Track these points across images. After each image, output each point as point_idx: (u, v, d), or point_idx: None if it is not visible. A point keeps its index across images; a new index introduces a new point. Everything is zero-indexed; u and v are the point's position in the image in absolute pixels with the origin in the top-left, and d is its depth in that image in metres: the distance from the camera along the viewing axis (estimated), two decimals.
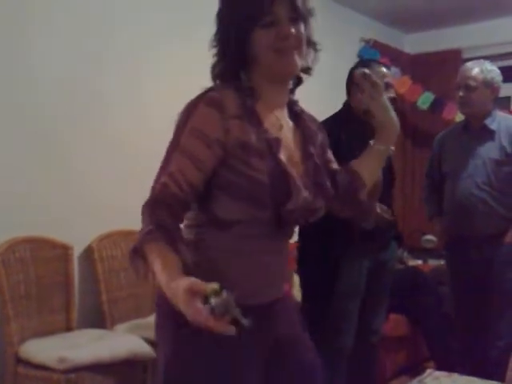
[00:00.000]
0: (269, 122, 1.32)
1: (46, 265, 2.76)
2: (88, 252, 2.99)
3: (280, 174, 1.27)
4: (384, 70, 2.61)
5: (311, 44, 1.37)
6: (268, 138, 1.28)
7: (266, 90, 1.33)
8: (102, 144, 3.13)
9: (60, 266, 2.82)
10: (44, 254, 2.77)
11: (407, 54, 5.38)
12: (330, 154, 1.52)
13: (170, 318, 1.23)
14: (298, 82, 1.42)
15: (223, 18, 1.32)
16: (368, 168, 1.48)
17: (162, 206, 1.20)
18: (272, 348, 1.38)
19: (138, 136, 3.29)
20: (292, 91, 1.43)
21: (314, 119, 1.50)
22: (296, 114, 1.42)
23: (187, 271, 1.13)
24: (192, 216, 1.33)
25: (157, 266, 1.13)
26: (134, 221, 3.29)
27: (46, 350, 2.47)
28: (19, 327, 2.60)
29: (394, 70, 4.82)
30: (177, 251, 1.15)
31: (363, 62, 3.07)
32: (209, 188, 1.28)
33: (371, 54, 4.63)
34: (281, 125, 1.35)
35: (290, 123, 1.40)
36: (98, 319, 2.96)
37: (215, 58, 1.34)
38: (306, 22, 1.33)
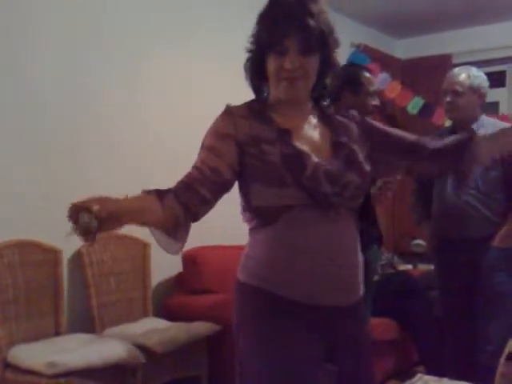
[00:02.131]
0: (283, 122, 1.46)
1: (35, 269, 2.75)
2: (77, 256, 2.98)
3: (292, 153, 1.39)
4: (369, 76, 2.64)
5: (331, 66, 1.50)
6: (279, 129, 1.43)
7: (281, 103, 1.48)
8: (96, 147, 3.13)
9: (49, 270, 2.80)
10: (33, 258, 2.75)
11: (397, 59, 5.42)
12: (394, 133, 1.59)
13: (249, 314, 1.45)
14: (321, 95, 1.55)
15: (253, 37, 1.49)
16: (491, 151, 1.58)
17: (181, 185, 1.36)
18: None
19: (135, 139, 3.30)
20: (319, 101, 1.56)
21: (352, 114, 1.59)
22: (327, 116, 1.54)
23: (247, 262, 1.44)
24: (247, 219, 1.48)
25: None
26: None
27: (35, 354, 2.46)
28: (7, 332, 2.58)
29: (385, 75, 4.85)
30: (161, 202, 1.29)
31: (350, 66, 3.10)
32: (245, 184, 1.43)
33: (361, 59, 4.65)
34: (299, 125, 1.47)
35: (317, 123, 1.51)
36: (88, 324, 2.94)
37: (247, 64, 1.52)
38: (324, 49, 1.45)
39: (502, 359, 2.21)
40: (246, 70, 1.52)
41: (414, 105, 4.93)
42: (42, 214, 2.86)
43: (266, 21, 1.45)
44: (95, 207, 1.16)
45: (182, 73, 3.55)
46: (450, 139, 1.61)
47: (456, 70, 2.97)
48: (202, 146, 1.45)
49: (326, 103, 1.59)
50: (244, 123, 1.43)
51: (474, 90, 2.87)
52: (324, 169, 1.39)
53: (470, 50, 5.01)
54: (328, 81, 1.53)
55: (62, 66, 2.99)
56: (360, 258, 1.50)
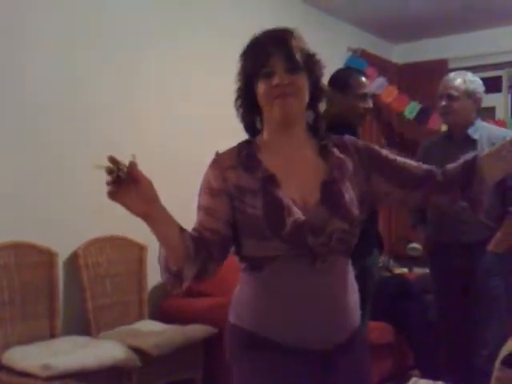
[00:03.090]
0: (273, 161, 1.44)
1: (31, 271, 2.74)
2: (73, 258, 2.97)
3: (273, 204, 1.37)
4: (363, 79, 2.65)
5: (320, 92, 1.50)
6: (263, 177, 1.41)
7: (275, 134, 1.47)
8: (91, 149, 3.12)
9: (45, 272, 2.80)
10: (28, 260, 2.75)
11: (394, 64, 5.44)
12: (400, 163, 1.52)
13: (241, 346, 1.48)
14: (316, 126, 1.52)
15: (238, 74, 1.49)
16: (497, 169, 1.50)
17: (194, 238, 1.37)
18: None
19: (134, 139, 3.29)
20: (316, 131, 1.52)
21: (352, 144, 1.52)
22: (324, 148, 1.50)
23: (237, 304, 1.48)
24: (239, 261, 1.49)
25: None
26: (120, 227, 3.31)
27: (30, 357, 2.45)
28: (2, 334, 2.58)
29: (381, 79, 4.87)
30: (181, 232, 1.33)
31: (343, 69, 3.11)
32: (236, 235, 1.43)
33: (358, 64, 4.67)
34: (291, 161, 1.45)
35: (313, 158, 1.48)
36: (83, 326, 2.93)
37: (236, 94, 1.50)
38: (310, 72, 1.45)
39: (497, 363, 2.22)
40: (237, 108, 1.51)
41: (411, 109, 4.95)
42: (38, 216, 2.85)
43: (249, 52, 1.47)
44: (134, 162, 1.25)
45: (181, 73, 3.56)
46: (453, 167, 1.53)
47: (452, 74, 2.99)
48: (199, 206, 1.46)
49: (322, 135, 1.54)
50: (232, 174, 1.43)
51: (469, 95, 2.89)
52: (305, 222, 1.36)
53: (466, 55, 5.03)
54: (321, 107, 1.52)
55: (61, 67, 2.99)
56: (352, 298, 1.48)
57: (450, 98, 2.88)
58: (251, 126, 1.52)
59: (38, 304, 2.74)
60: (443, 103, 2.91)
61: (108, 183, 1.23)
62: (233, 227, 1.42)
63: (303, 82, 1.43)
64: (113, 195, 1.23)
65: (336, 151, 1.49)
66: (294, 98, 1.42)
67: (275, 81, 1.40)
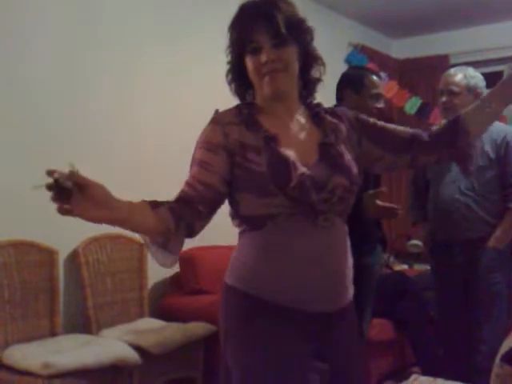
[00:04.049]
0: (271, 125, 1.44)
1: (31, 269, 2.74)
2: (74, 256, 2.98)
3: (278, 161, 1.37)
4: (377, 79, 2.64)
5: (312, 58, 1.49)
6: (265, 136, 1.41)
7: (268, 104, 1.47)
8: (92, 145, 3.12)
9: (45, 270, 2.80)
10: (29, 259, 2.75)
11: (395, 60, 5.42)
12: (387, 128, 1.58)
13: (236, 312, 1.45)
14: (308, 92, 1.53)
15: (228, 48, 1.50)
16: (481, 125, 1.57)
17: (175, 199, 1.36)
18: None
19: (129, 138, 3.29)
20: (307, 98, 1.54)
21: (342, 112, 1.57)
22: (316, 115, 1.52)
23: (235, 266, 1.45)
24: (236, 224, 1.48)
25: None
26: None
27: (30, 355, 2.45)
28: (3, 332, 2.58)
29: (382, 75, 4.85)
30: (154, 209, 1.29)
31: (358, 68, 3.12)
32: (233, 192, 1.42)
33: (359, 59, 4.66)
34: (286, 126, 1.47)
35: (305, 124, 1.50)
36: (84, 324, 2.94)
37: (227, 67, 1.51)
38: (299, 41, 1.44)
39: (497, 360, 2.22)
40: (229, 83, 1.51)
41: (412, 105, 4.94)
42: (38, 214, 2.85)
43: (236, 25, 1.46)
44: (74, 171, 1.14)
45: (181, 73, 3.55)
46: (438, 127, 1.59)
47: (452, 70, 2.97)
48: (193, 160, 1.44)
49: (313, 100, 1.56)
50: (233, 129, 1.42)
51: (470, 91, 2.87)
52: (310, 177, 1.37)
53: (467, 50, 5.01)
54: (314, 74, 1.51)
55: (60, 67, 2.98)
56: (350, 263, 1.49)
57: (450, 93, 2.87)
58: (244, 99, 1.52)
59: (38, 302, 2.75)
60: (444, 99, 2.90)
61: (53, 200, 1.15)
62: (228, 184, 1.41)
63: (291, 54, 1.43)
64: (64, 211, 1.16)
65: (328, 117, 1.53)
66: (283, 73, 1.42)
67: (263, 58, 1.40)
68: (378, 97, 2.63)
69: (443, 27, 5.10)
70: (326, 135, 1.48)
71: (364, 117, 1.60)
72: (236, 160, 1.39)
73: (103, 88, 3.18)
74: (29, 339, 2.64)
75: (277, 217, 1.37)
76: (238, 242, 1.48)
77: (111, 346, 2.63)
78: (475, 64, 3.73)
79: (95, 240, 3.05)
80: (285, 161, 1.37)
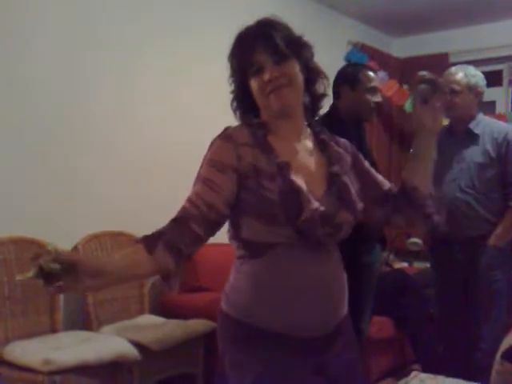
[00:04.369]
0: (281, 149, 1.42)
1: (31, 266, 2.74)
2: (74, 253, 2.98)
3: (290, 191, 1.35)
4: (372, 74, 2.65)
5: (314, 73, 1.48)
6: (278, 162, 1.38)
7: (275, 124, 1.45)
8: (92, 144, 3.13)
9: None
10: (29, 255, 2.72)
11: (395, 58, 5.42)
12: (374, 175, 1.55)
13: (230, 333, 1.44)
14: (313, 109, 1.52)
15: (230, 76, 1.48)
16: (423, 175, 1.52)
17: (174, 223, 1.32)
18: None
19: (129, 137, 3.29)
20: (312, 117, 1.52)
21: (344, 144, 1.56)
22: (322, 141, 1.51)
23: (231, 293, 1.43)
24: (235, 246, 1.45)
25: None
26: (121, 222, 3.31)
27: (31, 351, 2.45)
28: (3, 328, 2.58)
29: (382, 73, 4.86)
30: (150, 253, 1.28)
31: (352, 64, 3.11)
32: (237, 215, 1.38)
33: (359, 58, 4.65)
34: (295, 151, 1.44)
35: (312, 149, 1.48)
36: (84, 321, 2.94)
37: (232, 95, 1.49)
38: (299, 56, 1.44)
39: (498, 357, 2.22)
40: (234, 110, 1.49)
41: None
42: (38, 211, 2.85)
43: (235, 52, 1.46)
44: (58, 252, 1.14)
45: (181, 73, 3.55)
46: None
47: (453, 68, 2.97)
48: (199, 176, 1.39)
49: (317, 123, 1.55)
50: (247, 151, 1.38)
51: (471, 89, 2.88)
52: (320, 212, 1.35)
53: (467, 49, 5.01)
54: (318, 88, 1.49)
55: (60, 67, 2.98)
56: (345, 284, 1.49)
57: (451, 92, 2.87)
58: (246, 114, 1.50)
59: (38, 299, 2.75)
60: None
61: (45, 285, 1.17)
62: (231, 207, 1.37)
63: (294, 69, 1.42)
64: (59, 291, 1.18)
65: (334, 145, 1.51)
66: (288, 88, 1.41)
67: (266, 76, 1.39)
68: (374, 90, 2.63)
69: (443, 26, 5.11)
70: (332, 164, 1.46)
71: (361, 157, 1.58)
72: (248, 184, 1.35)
73: (103, 88, 3.18)
74: (29, 336, 2.64)
75: (278, 245, 1.36)
76: (235, 267, 1.45)
77: (111, 342, 2.63)
78: (475, 63, 3.74)
79: (95, 237, 3.05)
80: (297, 191, 1.35)
